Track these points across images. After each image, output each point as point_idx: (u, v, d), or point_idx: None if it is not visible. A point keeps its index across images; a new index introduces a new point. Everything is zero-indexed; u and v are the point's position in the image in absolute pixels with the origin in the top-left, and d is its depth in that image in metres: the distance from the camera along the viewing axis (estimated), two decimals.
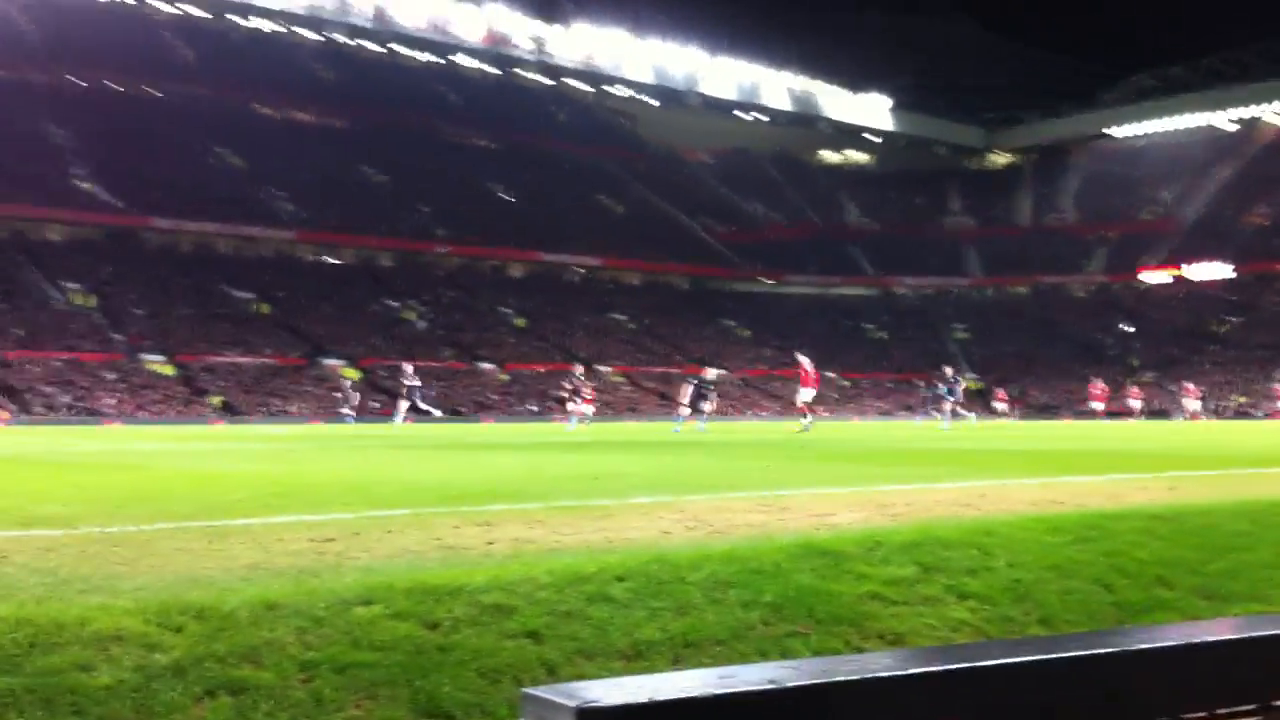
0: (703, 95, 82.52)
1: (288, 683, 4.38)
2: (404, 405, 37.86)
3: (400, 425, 35.48)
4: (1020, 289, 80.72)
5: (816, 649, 5.24)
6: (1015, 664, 0.94)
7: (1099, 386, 52.67)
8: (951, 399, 39.49)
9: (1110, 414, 51.08)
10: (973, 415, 41.11)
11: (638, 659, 4.94)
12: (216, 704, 4.21)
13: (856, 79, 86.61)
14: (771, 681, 0.74)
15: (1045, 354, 69.80)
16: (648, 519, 8.33)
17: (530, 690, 0.71)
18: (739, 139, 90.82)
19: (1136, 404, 51.68)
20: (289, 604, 4.99)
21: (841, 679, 0.77)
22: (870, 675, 0.80)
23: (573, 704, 0.68)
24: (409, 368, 39.60)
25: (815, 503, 9.69)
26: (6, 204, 54.55)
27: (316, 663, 4.53)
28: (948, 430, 33.16)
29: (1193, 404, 49.85)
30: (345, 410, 41.20)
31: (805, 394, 33.85)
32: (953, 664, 0.87)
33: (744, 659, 4.95)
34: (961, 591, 6.12)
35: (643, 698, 0.68)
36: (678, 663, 4.87)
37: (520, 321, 63.54)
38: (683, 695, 0.70)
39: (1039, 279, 79.72)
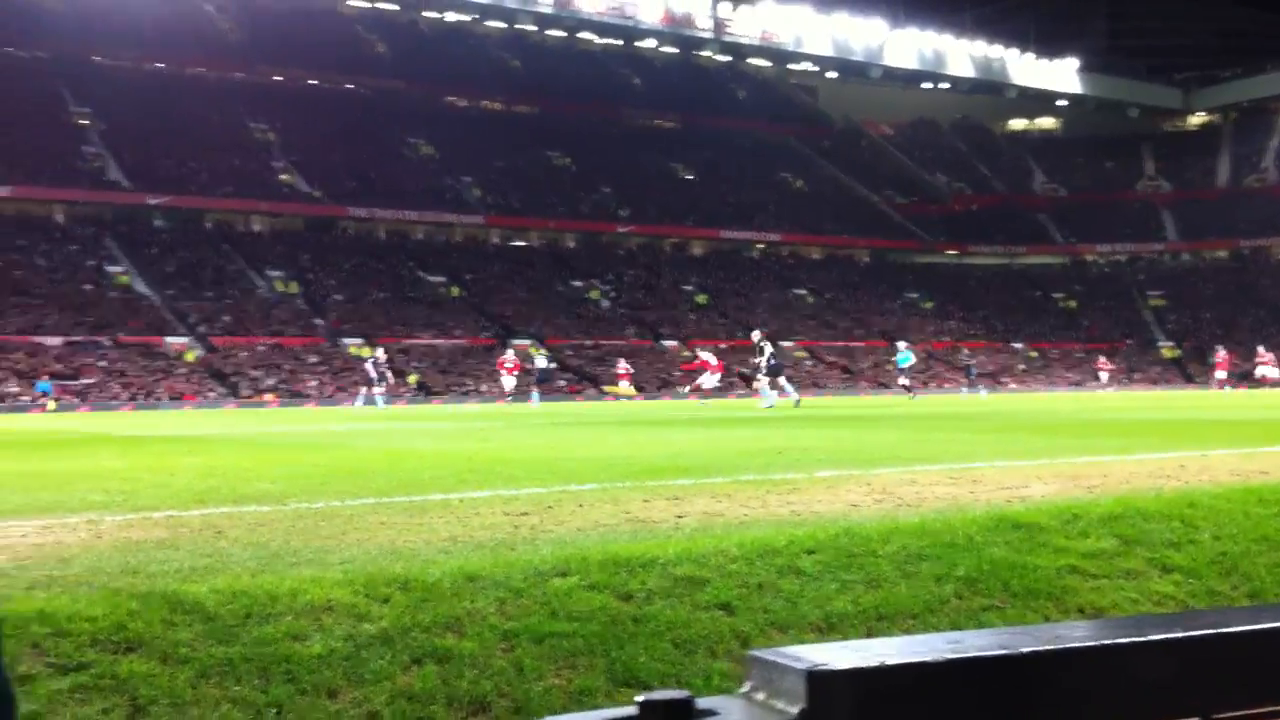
0: (885, 67, 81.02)
1: (489, 652, 4.50)
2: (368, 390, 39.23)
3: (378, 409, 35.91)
4: (1219, 253, 77.20)
5: (1014, 622, 5.14)
6: (1259, 630, 0.88)
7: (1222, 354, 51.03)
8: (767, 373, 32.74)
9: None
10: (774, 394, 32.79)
11: (829, 631, 4.94)
12: (423, 672, 4.35)
13: (1044, 43, 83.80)
14: (1004, 647, 0.72)
15: (1245, 320, 66.63)
16: (834, 492, 8.29)
17: (757, 652, 0.68)
18: (921, 110, 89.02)
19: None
20: (488, 575, 5.14)
21: (1078, 645, 0.74)
22: (1109, 641, 0.76)
23: (802, 666, 0.65)
24: (380, 353, 41.19)
25: (1006, 475, 9.49)
26: (213, 197, 57.27)
27: (516, 632, 4.64)
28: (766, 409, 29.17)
29: None
30: (528, 389, 41.82)
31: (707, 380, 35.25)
32: (1196, 630, 0.84)
33: (934, 631, 4.90)
34: (1165, 565, 5.93)
35: (873, 661, 0.65)
36: (870, 634, 4.85)
37: (702, 298, 63.71)
38: (913, 659, 0.67)
39: (1239, 243, 76.10)
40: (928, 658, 0.75)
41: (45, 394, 39.89)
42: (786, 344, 56.69)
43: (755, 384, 34.42)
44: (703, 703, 0.73)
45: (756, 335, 32.88)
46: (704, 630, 4.82)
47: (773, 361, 31.99)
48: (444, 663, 4.42)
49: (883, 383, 53.35)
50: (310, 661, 4.38)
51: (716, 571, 5.34)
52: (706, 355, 38.62)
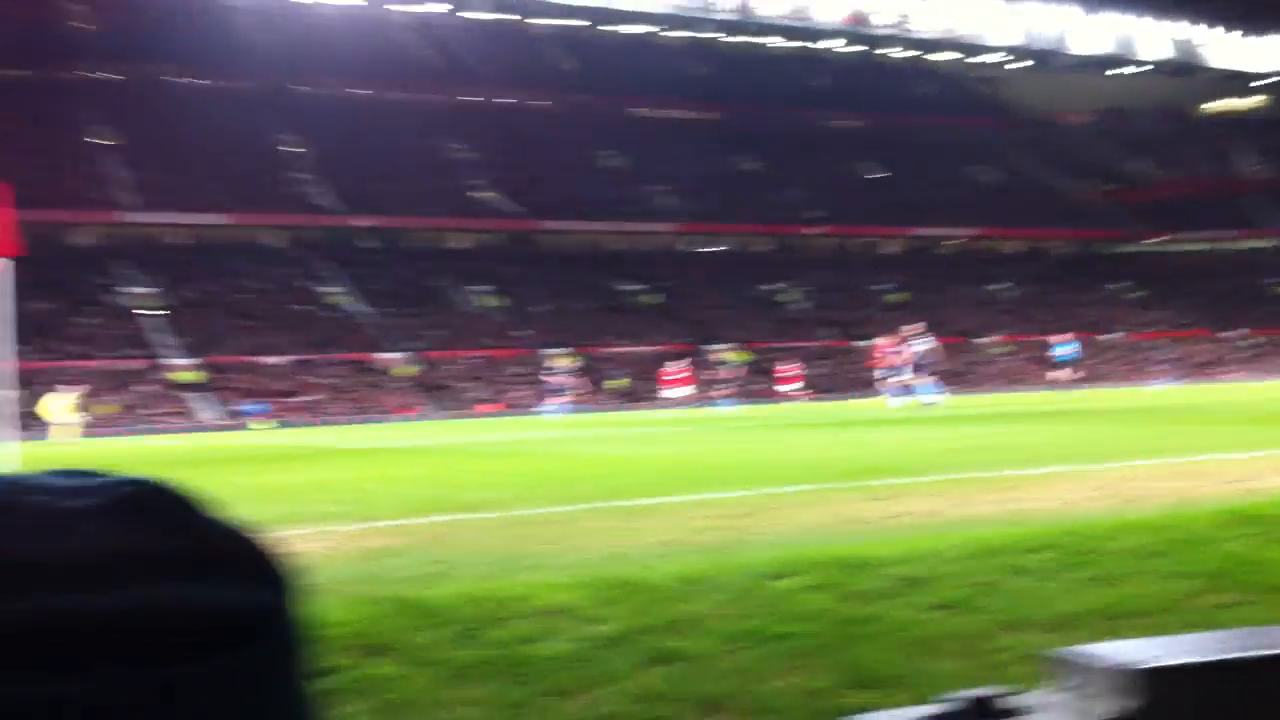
0: (1074, 55, 78.53)
1: (718, 653, 4.56)
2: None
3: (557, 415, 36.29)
4: None
5: (1256, 623, 4.96)
6: None
7: None
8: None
9: None
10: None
11: (1059, 631, 4.84)
12: (654, 673, 4.42)
13: (1245, 20, 79.80)
14: None
15: None
16: (1052, 489, 8.12)
17: (1063, 651, 0.66)
18: (1115, 96, 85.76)
19: None
20: (709, 578, 5.21)
21: None
22: None
23: (1139, 666, 0.60)
24: (568, 362, 41.65)
25: (1230, 468, 9.13)
26: (419, 216, 59.34)
27: (742, 633, 4.69)
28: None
29: None
30: (722, 392, 41.80)
31: None
32: None
33: (1173, 633, 4.75)
34: None
35: (1199, 657, 0.62)
36: (1106, 635, 4.74)
37: (895, 297, 62.84)
38: (1245, 654, 0.63)
39: None
40: (1259, 653, 0.71)
41: (262, 413, 41.88)
42: (983, 340, 55.59)
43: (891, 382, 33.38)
44: (1012, 700, 0.72)
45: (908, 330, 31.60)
46: (930, 630, 4.78)
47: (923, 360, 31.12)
48: (673, 663, 4.49)
49: (1082, 377, 51.62)
50: (545, 663, 4.51)
51: (938, 572, 5.30)
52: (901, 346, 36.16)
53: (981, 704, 0.67)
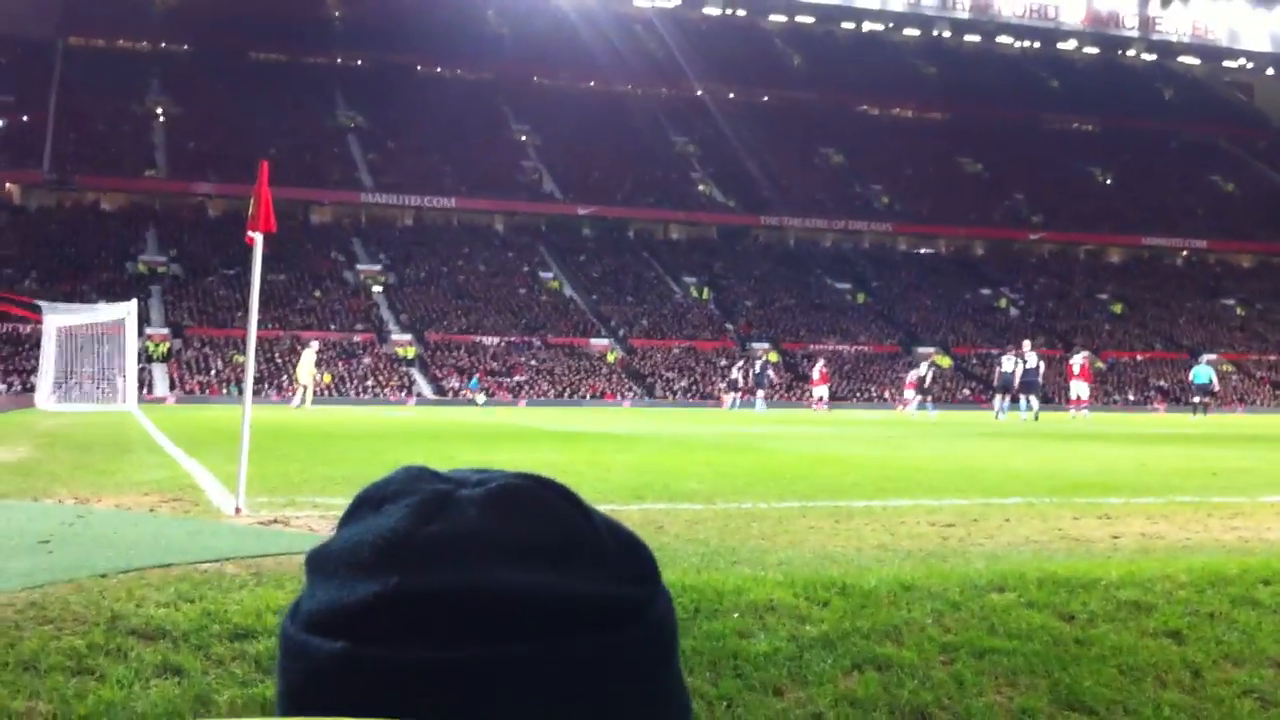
0: None
1: (929, 663, 4.53)
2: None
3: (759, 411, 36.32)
4: None
5: None
6: None
7: None
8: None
9: None
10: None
11: None
12: (864, 678, 4.42)
13: None
14: None
15: None
16: None
17: None
18: None
19: None
20: (922, 586, 5.17)
21: None
22: None
23: None
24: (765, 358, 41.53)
25: None
26: (636, 208, 60.17)
27: (955, 645, 4.65)
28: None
29: None
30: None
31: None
32: None
33: None
34: None
35: None
36: None
37: (1118, 308, 60.53)
38: None
39: None
40: None
41: (475, 390, 43.15)
42: (1211, 356, 53.16)
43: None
44: None
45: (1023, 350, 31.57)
46: (1152, 658, 4.66)
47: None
48: (884, 670, 4.49)
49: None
50: (756, 659, 4.55)
51: (1163, 597, 5.15)
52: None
53: None
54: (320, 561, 0.63)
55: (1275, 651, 4.77)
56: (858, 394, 46.92)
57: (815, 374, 40.22)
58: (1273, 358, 55.96)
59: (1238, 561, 5.76)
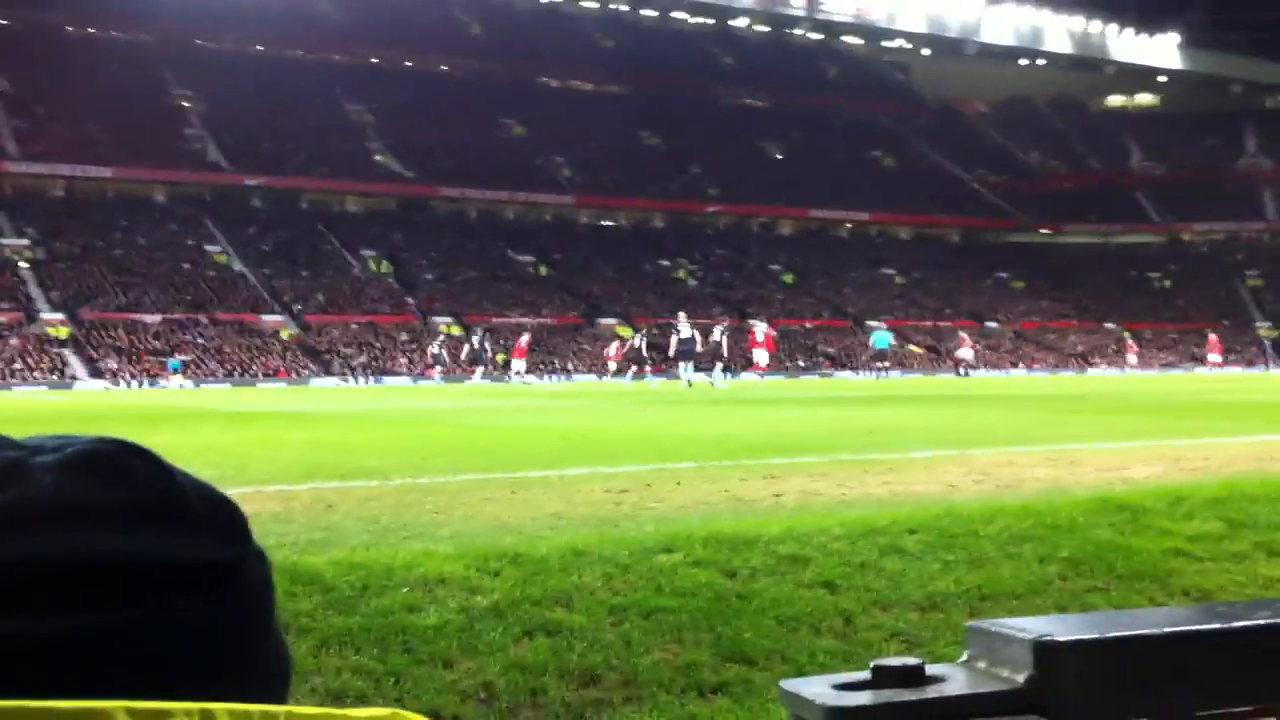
0: (980, 43, 79.84)
1: (599, 625, 4.60)
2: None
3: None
4: None
5: (1119, 605, 5.14)
6: None
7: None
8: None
9: None
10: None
11: (933, 611, 4.97)
12: (534, 644, 4.45)
13: (1144, 18, 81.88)
14: (1273, 615, 0.72)
15: None
16: (932, 472, 8.30)
17: (977, 623, 0.71)
18: (1017, 87, 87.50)
19: None
20: (594, 551, 5.24)
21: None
22: None
23: (1029, 637, 0.65)
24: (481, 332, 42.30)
25: (1105, 457, 9.42)
26: (310, 178, 58.23)
27: (624, 607, 4.73)
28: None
29: None
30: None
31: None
32: None
33: (1043, 615, 4.90)
34: (1272, 549, 5.86)
35: (1095, 633, 0.67)
36: (974, 615, 4.87)
37: (789, 278, 63.46)
38: (1134, 632, 0.67)
39: None
40: (1146, 631, 0.76)
41: (176, 370, 41.38)
42: (880, 322, 56.54)
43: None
44: (932, 669, 0.78)
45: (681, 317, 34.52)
46: (808, 608, 4.87)
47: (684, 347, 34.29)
48: (554, 635, 4.52)
49: (971, 364, 52.79)
50: (426, 632, 4.50)
51: (819, 550, 5.39)
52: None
53: (905, 672, 0.71)
54: None
55: (919, 596, 5.07)
56: (541, 365, 47.26)
57: (520, 345, 41.13)
58: (928, 324, 59.92)
59: (888, 514, 6.09)
